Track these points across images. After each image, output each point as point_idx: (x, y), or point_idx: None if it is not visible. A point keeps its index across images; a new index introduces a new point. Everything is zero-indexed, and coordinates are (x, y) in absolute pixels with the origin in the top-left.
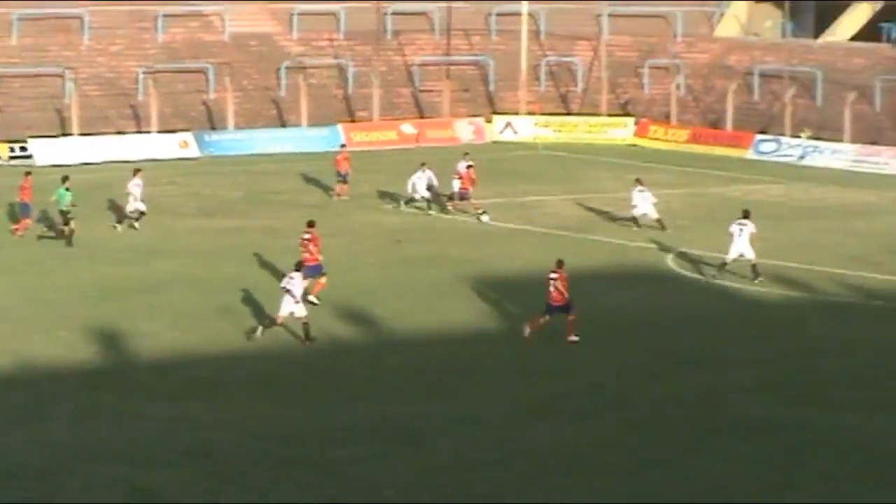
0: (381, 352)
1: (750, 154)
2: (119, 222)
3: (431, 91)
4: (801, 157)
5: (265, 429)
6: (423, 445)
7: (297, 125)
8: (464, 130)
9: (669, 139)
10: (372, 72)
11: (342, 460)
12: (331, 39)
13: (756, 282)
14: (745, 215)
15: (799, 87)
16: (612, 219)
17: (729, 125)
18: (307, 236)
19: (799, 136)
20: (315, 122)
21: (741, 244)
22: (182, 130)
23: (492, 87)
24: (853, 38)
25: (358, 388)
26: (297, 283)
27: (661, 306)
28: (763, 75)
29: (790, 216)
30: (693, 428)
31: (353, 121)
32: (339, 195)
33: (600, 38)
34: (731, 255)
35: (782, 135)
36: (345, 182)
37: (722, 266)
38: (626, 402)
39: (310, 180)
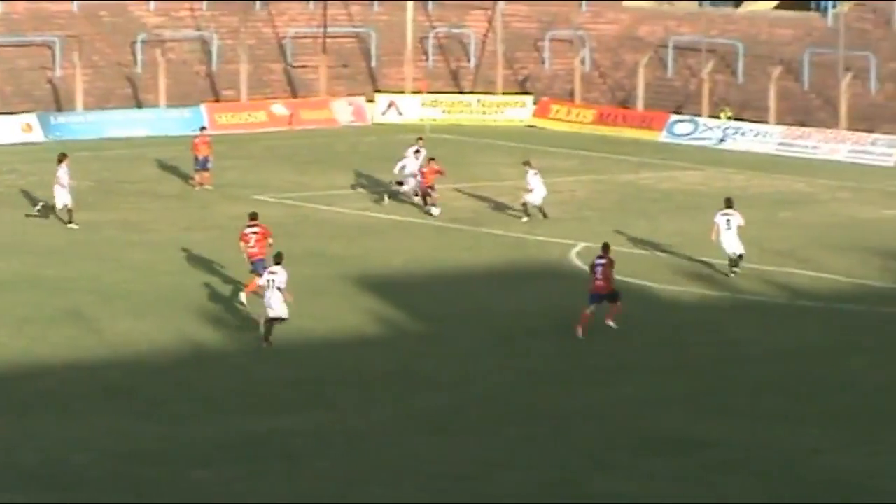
0: (251, 360)
1: (663, 136)
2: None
3: (306, 67)
4: (721, 140)
5: (122, 447)
6: (299, 464)
7: (155, 105)
8: (342, 111)
9: (573, 120)
10: (239, 45)
11: (209, 481)
12: (192, 9)
13: (731, 274)
14: (730, 204)
15: (718, 61)
16: (508, 209)
17: (640, 104)
18: (255, 230)
19: (718, 117)
20: (175, 102)
21: (731, 238)
22: (25, 112)
23: (374, 63)
24: (779, 7)
25: (226, 401)
26: (281, 277)
27: (565, 307)
28: (678, 48)
29: (708, 206)
30: (602, 444)
31: (217, 100)
32: (200, 184)
33: (495, 7)
34: (728, 248)
35: (699, 115)
36: (205, 169)
37: (734, 263)
38: (527, 414)
39: (168, 167)
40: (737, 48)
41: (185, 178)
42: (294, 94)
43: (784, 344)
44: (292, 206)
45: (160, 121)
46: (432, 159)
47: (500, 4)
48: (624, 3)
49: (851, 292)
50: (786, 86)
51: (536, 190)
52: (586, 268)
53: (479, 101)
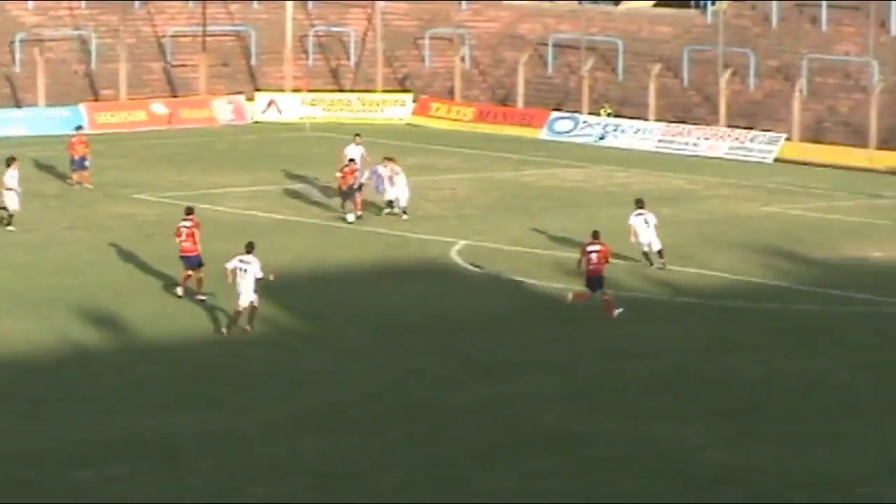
0: (131, 359)
1: (544, 134)
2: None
3: (185, 66)
4: (601, 137)
5: (2, 448)
6: (181, 463)
7: (34, 105)
8: (222, 110)
9: (453, 118)
10: (118, 44)
11: (90, 481)
12: (71, 8)
13: (658, 266)
14: (641, 204)
15: (598, 58)
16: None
17: (520, 102)
18: (188, 224)
19: (599, 114)
20: (54, 101)
21: (650, 235)
22: None
23: (254, 62)
24: (658, 5)
25: (106, 400)
26: (255, 266)
27: (446, 305)
28: (558, 46)
29: (590, 203)
30: (484, 441)
31: (97, 100)
32: (78, 183)
33: (375, 5)
34: (653, 247)
35: (579, 112)
36: (83, 168)
37: (653, 257)
38: (409, 413)
39: (45, 167)
40: (616, 45)
41: (65, 177)
42: (174, 93)
43: (666, 340)
44: (173, 205)
45: (39, 120)
46: (353, 160)
47: (380, 3)
48: (504, 1)
49: (732, 289)
50: (665, 83)
51: (398, 188)
52: (468, 266)
53: (358, 99)
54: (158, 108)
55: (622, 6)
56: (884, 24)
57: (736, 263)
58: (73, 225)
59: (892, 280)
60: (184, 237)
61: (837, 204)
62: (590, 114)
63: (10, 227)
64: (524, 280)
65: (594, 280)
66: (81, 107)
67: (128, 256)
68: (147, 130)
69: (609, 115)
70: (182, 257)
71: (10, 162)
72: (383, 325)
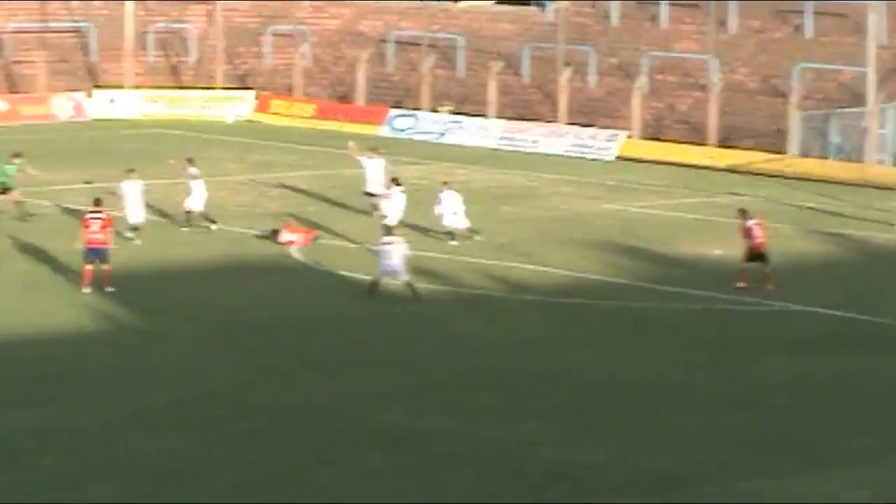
0: None
1: (384, 131)
2: None
3: (25, 62)
4: (442, 135)
5: None
6: (21, 462)
7: None
8: (62, 107)
9: (294, 114)
10: None
11: None
12: None
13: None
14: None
15: (439, 55)
16: (230, 204)
17: (361, 99)
18: (100, 215)
19: (437, 111)
20: None
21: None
22: None
23: (94, 58)
24: (499, 2)
25: None
26: None
27: (284, 302)
28: (399, 43)
29: (430, 201)
30: (321, 438)
31: None
32: None
33: (215, 2)
34: (455, 224)
35: (420, 109)
36: None
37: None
38: (246, 410)
39: None
40: (457, 42)
41: None
42: (13, 90)
43: (505, 338)
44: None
45: None
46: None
47: (220, 0)
48: None
49: (572, 286)
50: (506, 80)
51: (197, 193)
52: (308, 263)
53: (199, 95)
54: None
55: (463, 3)
56: (723, 23)
57: (576, 260)
58: None
59: (730, 277)
60: (96, 228)
61: (677, 201)
62: (430, 111)
63: None
64: (367, 277)
65: (758, 254)
66: None
67: None
68: None
69: (450, 112)
70: (89, 250)
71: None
72: (223, 322)
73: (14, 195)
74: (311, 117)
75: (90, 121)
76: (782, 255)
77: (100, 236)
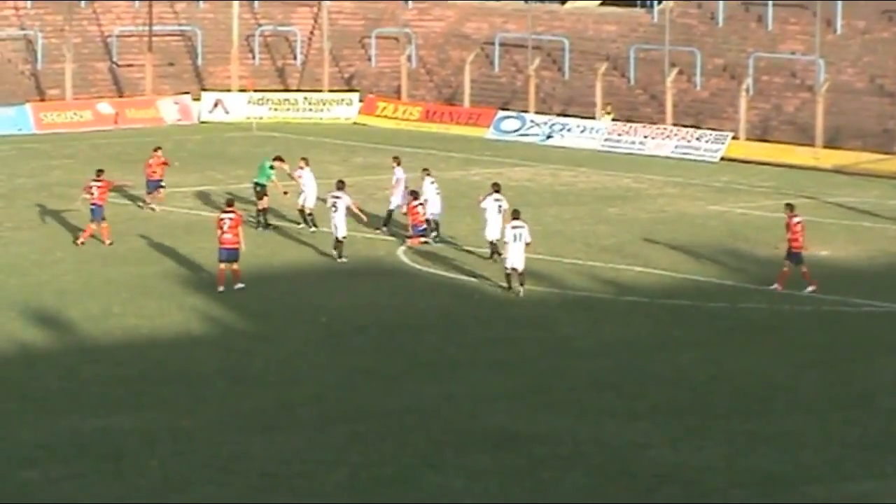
0: (77, 359)
1: (490, 133)
2: None
3: (132, 66)
4: (548, 137)
5: None
6: (127, 464)
7: None
8: (168, 110)
9: (400, 117)
10: (64, 44)
11: (35, 482)
12: (16, 8)
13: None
14: (498, 188)
15: (544, 57)
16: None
17: (466, 101)
18: (231, 216)
19: (600, 117)
20: (0, 101)
21: (499, 222)
22: None
23: (200, 61)
24: (604, 4)
25: (52, 400)
26: (344, 200)
27: (392, 304)
28: (504, 45)
29: (536, 202)
30: (430, 440)
31: (42, 100)
32: (151, 207)
33: (321, 4)
34: (491, 235)
35: (526, 111)
36: (159, 188)
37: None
38: (355, 412)
39: None
40: (563, 44)
41: (11, 176)
42: (120, 93)
43: (612, 339)
44: (120, 204)
45: None
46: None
47: (326, 2)
48: (449, 0)
49: (678, 287)
50: (612, 82)
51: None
52: (415, 265)
53: (305, 98)
54: (105, 108)
55: (568, 5)
56: (830, 23)
57: (682, 262)
58: (19, 225)
59: (838, 278)
60: (225, 229)
61: (784, 202)
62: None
63: None
64: (471, 279)
65: (793, 253)
66: (27, 107)
67: (74, 257)
68: (93, 130)
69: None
70: (221, 250)
71: None
72: (330, 324)
73: (264, 202)
74: (417, 120)
75: (197, 123)
76: (889, 255)
77: (229, 236)
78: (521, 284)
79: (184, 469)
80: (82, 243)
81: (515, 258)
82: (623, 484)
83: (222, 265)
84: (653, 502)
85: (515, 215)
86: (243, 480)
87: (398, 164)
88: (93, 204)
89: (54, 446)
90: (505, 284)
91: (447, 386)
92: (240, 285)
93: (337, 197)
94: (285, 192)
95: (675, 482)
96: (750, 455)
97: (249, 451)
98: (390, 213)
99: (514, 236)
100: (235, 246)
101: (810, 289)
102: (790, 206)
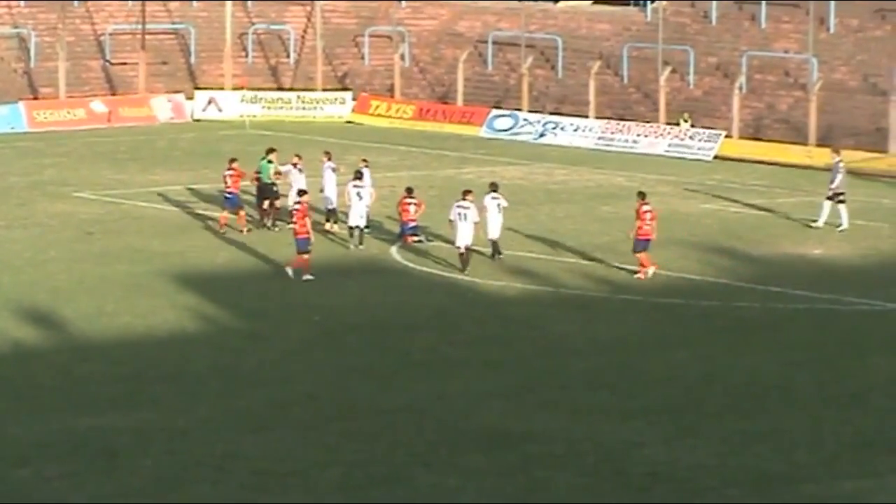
0: (70, 358)
1: (483, 132)
2: None
3: (125, 64)
4: (541, 135)
5: None
6: (120, 462)
7: None
8: (161, 108)
9: (393, 116)
10: (57, 42)
11: (28, 480)
12: (9, 6)
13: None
14: (496, 188)
15: (538, 56)
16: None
17: (460, 100)
18: (413, 200)
19: (678, 124)
20: None
21: (499, 221)
22: None
23: (193, 60)
24: (597, 2)
25: (44, 399)
26: (472, 212)
27: (385, 303)
28: (497, 43)
29: (530, 201)
30: (424, 439)
31: (36, 98)
32: (226, 224)
33: (314, 3)
34: (493, 233)
35: (519, 110)
36: (237, 207)
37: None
38: (349, 411)
39: None
40: (556, 43)
41: (4, 174)
42: (113, 92)
43: (605, 338)
44: (112, 203)
45: None
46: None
47: (319, 1)
48: None
49: (672, 286)
50: (605, 80)
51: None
52: (407, 264)
53: (298, 97)
54: (98, 106)
55: (561, 4)
56: (823, 22)
57: (676, 260)
58: (11, 224)
59: (831, 277)
60: (294, 218)
61: (777, 201)
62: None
63: None
64: (465, 278)
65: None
66: (20, 105)
67: (67, 255)
68: (87, 129)
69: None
70: (300, 240)
71: None
72: (324, 323)
73: (277, 202)
74: (410, 118)
75: (190, 122)
76: (882, 254)
77: (296, 226)
78: (499, 253)
79: (177, 467)
80: (223, 232)
81: (465, 237)
82: (617, 482)
83: (305, 255)
84: (646, 501)
85: (466, 193)
86: (237, 479)
87: (329, 159)
88: (227, 193)
89: (47, 445)
90: (460, 266)
91: (441, 384)
92: (308, 277)
93: (360, 187)
94: (278, 174)
95: (669, 481)
96: (743, 453)
97: (243, 450)
98: (331, 210)
99: (461, 216)
100: (304, 235)
101: (645, 273)
102: (642, 195)
